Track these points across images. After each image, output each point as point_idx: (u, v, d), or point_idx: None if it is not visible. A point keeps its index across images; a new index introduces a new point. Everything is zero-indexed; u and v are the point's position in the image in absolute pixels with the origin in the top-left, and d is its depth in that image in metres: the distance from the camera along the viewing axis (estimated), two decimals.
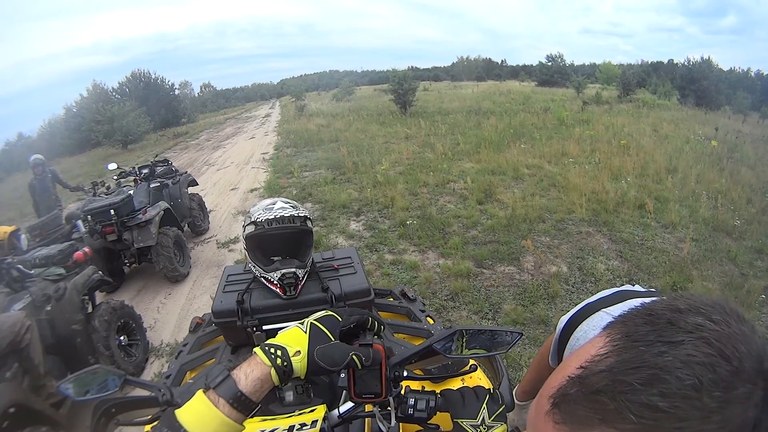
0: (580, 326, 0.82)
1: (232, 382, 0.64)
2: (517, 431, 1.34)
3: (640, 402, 0.34)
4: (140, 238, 4.49)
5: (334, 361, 0.70)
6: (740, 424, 0.34)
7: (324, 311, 0.77)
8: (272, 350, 0.68)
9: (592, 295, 0.89)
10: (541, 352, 1.22)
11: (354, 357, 0.70)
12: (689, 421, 0.33)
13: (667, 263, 4.60)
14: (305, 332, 0.72)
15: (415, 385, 0.95)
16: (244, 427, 0.66)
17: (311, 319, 0.75)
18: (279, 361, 0.67)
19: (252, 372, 0.66)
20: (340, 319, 0.76)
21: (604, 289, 0.90)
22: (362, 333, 0.78)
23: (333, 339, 0.72)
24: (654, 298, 0.44)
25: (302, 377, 0.70)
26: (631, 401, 0.34)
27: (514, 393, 1.35)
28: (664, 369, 0.35)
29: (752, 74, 31.24)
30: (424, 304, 1.92)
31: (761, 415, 0.36)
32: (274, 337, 0.73)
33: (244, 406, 0.64)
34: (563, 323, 0.89)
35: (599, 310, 0.80)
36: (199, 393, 0.64)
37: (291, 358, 0.68)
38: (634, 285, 0.90)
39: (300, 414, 0.98)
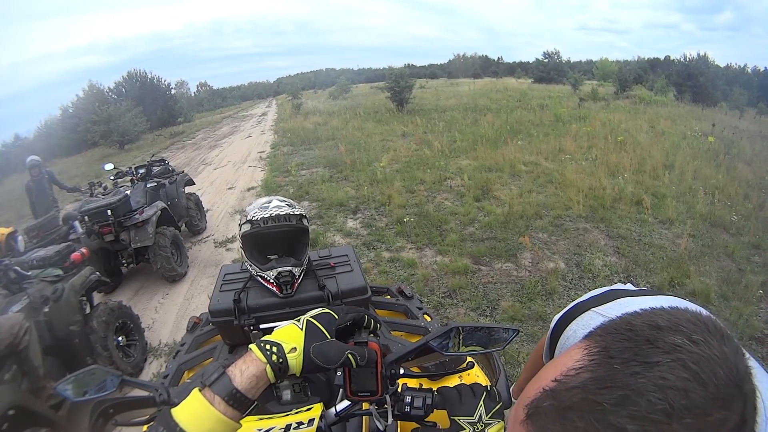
0: (570, 325, 0.83)
1: (228, 380, 0.64)
2: None
3: (608, 423, 0.34)
4: (137, 239, 4.48)
5: (329, 358, 0.70)
6: None
7: (320, 309, 0.77)
8: (268, 347, 0.68)
9: (590, 291, 0.89)
10: (535, 351, 1.23)
11: (349, 356, 0.70)
12: None
13: (665, 259, 4.61)
14: (301, 329, 0.72)
15: (412, 383, 0.95)
16: (241, 425, 0.66)
17: (307, 316, 0.75)
18: (274, 357, 0.67)
19: (247, 369, 0.65)
20: (336, 317, 0.75)
21: (601, 286, 0.90)
22: (358, 331, 0.78)
23: (329, 336, 0.72)
24: (637, 310, 0.43)
25: (298, 374, 0.70)
26: (600, 422, 0.34)
27: (511, 391, 1.35)
28: (636, 391, 0.34)
29: (749, 70, 31.36)
30: (422, 302, 1.92)
31: None
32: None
33: (239, 403, 0.64)
34: (554, 322, 0.90)
35: (589, 309, 0.80)
36: (195, 391, 0.64)
37: (286, 355, 0.68)
38: (625, 284, 0.91)
39: (297, 412, 0.98)
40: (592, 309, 0.80)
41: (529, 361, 1.30)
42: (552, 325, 0.92)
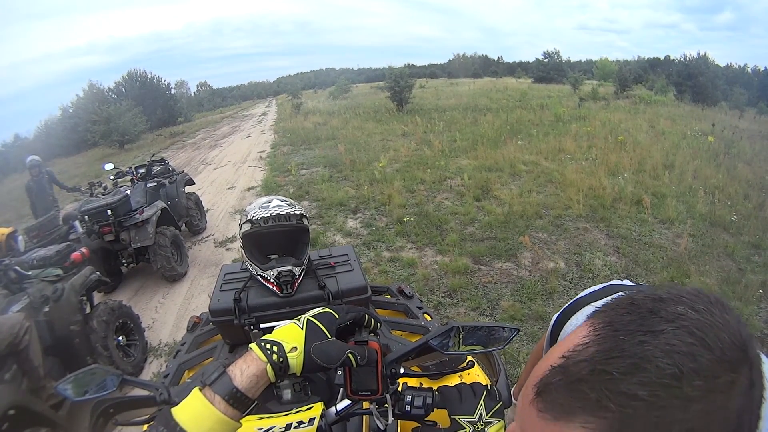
0: (569, 321, 0.83)
1: (228, 379, 0.64)
2: None
3: (619, 391, 0.34)
4: (137, 238, 4.48)
5: (330, 358, 0.69)
6: (724, 414, 0.35)
7: (321, 308, 0.77)
8: (268, 346, 0.68)
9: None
10: (535, 351, 1.23)
11: (350, 355, 0.70)
12: (669, 409, 0.33)
13: (665, 259, 4.61)
14: (302, 328, 0.71)
15: (412, 382, 0.95)
16: (241, 425, 0.65)
17: (308, 315, 0.74)
18: (275, 357, 0.67)
19: (248, 368, 0.65)
20: (336, 316, 0.75)
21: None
22: (358, 330, 0.78)
23: (329, 336, 0.72)
24: (639, 289, 0.44)
25: (298, 374, 0.70)
26: (611, 390, 0.34)
27: (512, 391, 1.35)
28: (644, 358, 0.35)
29: (749, 70, 31.39)
30: (422, 301, 1.92)
31: (746, 403, 0.36)
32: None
33: (240, 402, 0.63)
34: (554, 319, 0.90)
35: (588, 304, 0.81)
36: (195, 391, 0.64)
37: (287, 354, 0.68)
38: (623, 280, 0.91)
39: (297, 412, 0.98)
40: (591, 304, 0.80)
41: (529, 361, 1.30)
42: (552, 322, 0.92)
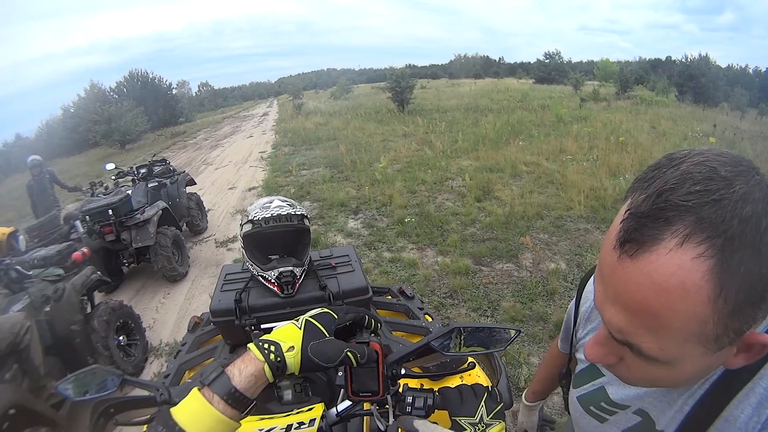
0: (588, 286, 0.88)
1: (226, 379, 0.64)
2: None
3: (684, 193, 0.42)
4: (138, 238, 4.48)
5: (328, 357, 0.69)
6: (760, 194, 0.42)
7: (320, 309, 0.77)
8: (266, 346, 0.68)
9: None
10: (549, 352, 1.23)
11: (349, 354, 0.70)
12: (720, 191, 0.42)
13: None
14: (300, 328, 0.71)
15: (413, 383, 0.94)
16: (241, 425, 0.65)
17: (307, 316, 0.75)
18: (272, 356, 0.67)
19: (246, 368, 0.65)
20: (335, 317, 0.75)
21: None
22: (359, 331, 0.78)
23: (328, 336, 0.72)
24: None
25: (296, 373, 0.70)
26: (679, 195, 0.43)
27: (523, 395, 1.35)
28: (685, 173, 0.44)
29: (750, 71, 31.30)
30: (423, 302, 1.92)
31: None
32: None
33: (238, 402, 0.63)
34: (571, 306, 0.94)
35: None
36: (194, 391, 0.64)
37: (284, 354, 0.68)
38: None
39: (298, 412, 0.98)
40: None
41: (542, 364, 1.31)
42: (569, 311, 0.96)
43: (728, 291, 0.41)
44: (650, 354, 0.48)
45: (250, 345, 0.69)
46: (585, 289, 0.88)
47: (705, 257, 0.41)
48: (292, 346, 0.69)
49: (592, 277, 0.86)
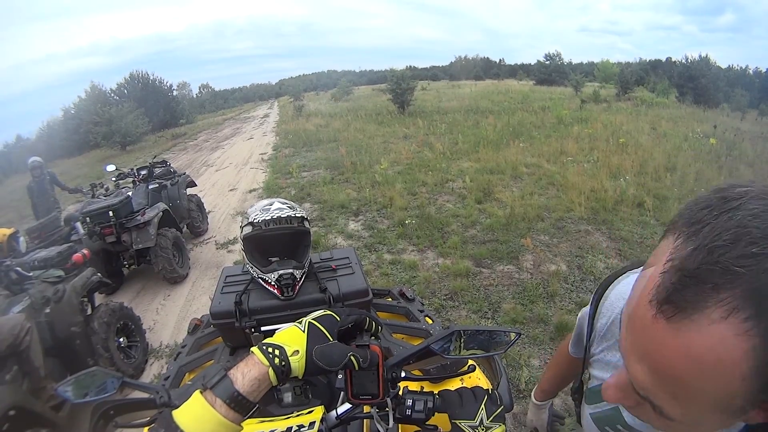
0: (604, 299, 0.85)
1: (229, 382, 0.64)
2: None
3: (738, 255, 0.38)
4: (139, 240, 4.48)
5: (332, 361, 0.69)
6: None
7: (322, 311, 0.76)
8: (270, 349, 0.67)
9: (591, 293, 0.90)
10: (559, 351, 1.23)
11: (352, 357, 0.70)
12: None
13: None
14: (303, 331, 0.71)
15: (413, 386, 0.94)
16: (242, 428, 0.65)
17: (309, 318, 0.74)
18: (277, 360, 0.66)
19: (249, 372, 0.65)
20: (338, 319, 0.75)
21: None
22: (359, 334, 0.78)
23: (331, 338, 0.72)
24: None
25: (300, 377, 0.70)
26: (732, 257, 0.38)
27: (532, 394, 1.35)
28: (741, 226, 0.39)
29: (750, 72, 31.30)
30: (423, 304, 1.91)
31: None
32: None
33: (241, 406, 0.63)
34: (586, 310, 0.92)
35: (627, 271, 0.84)
36: (196, 394, 0.64)
37: (289, 358, 0.67)
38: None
39: (298, 415, 0.98)
40: (624, 274, 0.84)
41: (551, 362, 1.31)
42: (582, 315, 0.96)
43: (765, 369, 0.38)
44: (670, 417, 0.46)
45: (254, 349, 0.68)
46: (602, 304, 0.86)
47: (749, 336, 0.37)
48: (297, 350, 0.68)
49: (610, 288, 0.85)
